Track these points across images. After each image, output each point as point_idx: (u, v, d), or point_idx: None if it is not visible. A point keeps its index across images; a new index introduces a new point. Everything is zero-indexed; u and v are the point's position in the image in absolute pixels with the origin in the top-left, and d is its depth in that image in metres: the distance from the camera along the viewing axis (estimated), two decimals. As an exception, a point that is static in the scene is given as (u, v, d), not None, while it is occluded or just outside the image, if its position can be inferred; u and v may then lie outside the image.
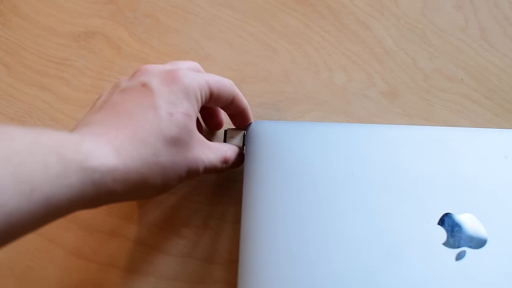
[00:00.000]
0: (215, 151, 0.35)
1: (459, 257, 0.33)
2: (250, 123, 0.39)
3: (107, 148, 0.28)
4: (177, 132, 0.31)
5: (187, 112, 0.32)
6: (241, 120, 0.39)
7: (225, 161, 0.36)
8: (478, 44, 0.46)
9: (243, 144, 0.39)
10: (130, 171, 0.29)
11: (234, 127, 0.40)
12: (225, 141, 0.39)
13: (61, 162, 0.26)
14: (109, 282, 0.38)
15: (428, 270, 0.32)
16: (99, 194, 0.28)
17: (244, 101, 0.38)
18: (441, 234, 0.33)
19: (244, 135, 0.39)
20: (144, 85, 0.32)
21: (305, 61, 0.46)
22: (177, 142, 0.31)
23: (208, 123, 0.42)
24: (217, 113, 0.41)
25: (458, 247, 0.33)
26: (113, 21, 0.47)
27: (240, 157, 0.39)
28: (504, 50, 0.46)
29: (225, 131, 0.40)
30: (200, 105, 0.33)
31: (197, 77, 0.33)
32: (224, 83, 0.35)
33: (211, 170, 0.35)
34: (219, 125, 0.42)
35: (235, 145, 0.38)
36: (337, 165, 0.36)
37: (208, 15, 0.48)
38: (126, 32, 0.47)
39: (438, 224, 0.34)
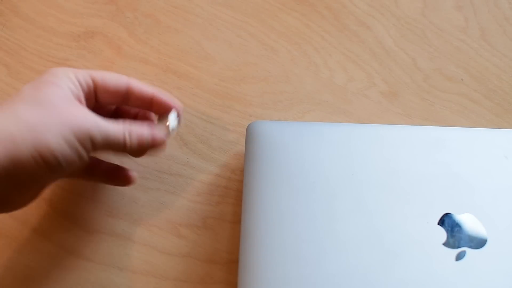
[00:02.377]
0: (111, 123, 0.33)
1: (459, 257, 0.33)
2: (173, 110, 0.37)
3: None
4: (39, 93, 0.31)
5: (53, 81, 0.32)
6: (160, 110, 0.37)
7: (132, 135, 0.34)
8: (478, 44, 0.46)
9: (178, 123, 0.37)
10: None
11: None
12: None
13: None
14: (109, 282, 0.38)
15: (428, 270, 0.32)
16: None
17: (148, 87, 0.36)
18: (441, 234, 0.33)
19: (177, 115, 0.37)
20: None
21: (305, 61, 0.46)
22: (40, 102, 0.30)
23: (113, 180, 0.40)
24: (119, 168, 0.39)
25: (458, 247, 0.33)
26: (113, 21, 0.47)
27: (158, 138, 0.36)
28: (504, 50, 0.46)
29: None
30: (78, 85, 0.33)
31: (72, 69, 0.34)
32: (111, 73, 0.35)
33: (115, 143, 0.33)
34: (127, 180, 0.39)
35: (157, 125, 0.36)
36: (337, 165, 0.36)
37: (208, 15, 0.48)
38: (126, 32, 0.47)
39: (438, 224, 0.34)
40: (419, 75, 0.45)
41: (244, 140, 0.39)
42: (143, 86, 0.36)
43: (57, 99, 0.31)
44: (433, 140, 0.37)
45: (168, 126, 0.36)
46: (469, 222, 0.34)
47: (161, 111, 0.37)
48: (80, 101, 0.33)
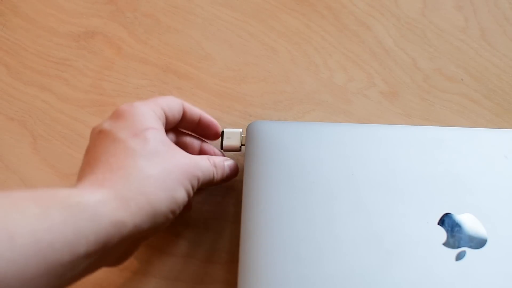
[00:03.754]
0: (201, 160, 0.34)
1: (459, 257, 0.33)
2: (222, 130, 0.39)
3: (89, 187, 0.27)
4: (151, 145, 0.30)
5: (151, 126, 0.31)
6: (208, 129, 0.39)
7: (217, 169, 0.35)
8: (478, 44, 0.46)
9: (241, 144, 0.39)
10: (125, 194, 0.27)
11: (231, 129, 0.40)
12: (222, 142, 0.39)
13: (38, 205, 0.24)
14: (109, 282, 0.38)
15: (428, 270, 0.32)
16: (103, 229, 0.25)
17: (195, 107, 0.37)
18: (441, 234, 0.33)
19: (241, 134, 0.39)
20: (100, 132, 0.31)
21: (305, 61, 0.46)
22: (155, 153, 0.30)
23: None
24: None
25: (458, 247, 0.33)
26: (113, 21, 0.47)
27: (234, 167, 0.38)
28: (504, 50, 0.46)
29: (222, 131, 0.39)
30: (159, 120, 0.33)
31: (142, 102, 0.33)
32: (169, 98, 0.35)
33: (208, 179, 0.34)
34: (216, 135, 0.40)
35: (227, 158, 0.38)
36: (337, 165, 0.36)
37: (208, 15, 0.48)
38: (126, 32, 0.47)
39: (438, 224, 0.34)
40: (419, 75, 0.45)
41: (244, 140, 0.39)
42: (192, 108, 0.37)
43: (163, 145, 0.31)
44: (433, 140, 0.37)
45: (240, 149, 0.39)
46: (469, 222, 0.34)
47: (209, 134, 0.39)
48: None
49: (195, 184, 0.32)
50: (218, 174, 0.35)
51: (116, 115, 0.32)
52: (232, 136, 0.39)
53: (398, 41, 0.47)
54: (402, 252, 0.33)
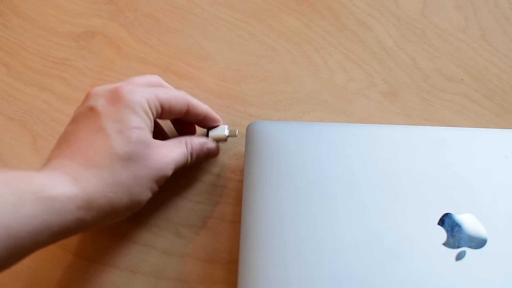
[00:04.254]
0: (176, 148, 0.36)
1: (459, 257, 0.33)
2: (219, 124, 0.40)
3: (64, 178, 0.29)
4: (131, 148, 0.31)
5: (137, 126, 0.32)
6: (209, 124, 0.39)
7: (192, 153, 0.37)
8: (478, 44, 0.46)
9: (228, 136, 0.40)
10: (92, 197, 0.30)
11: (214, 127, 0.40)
12: (208, 132, 0.40)
13: (16, 194, 0.27)
14: (109, 282, 0.38)
15: (428, 270, 0.32)
16: (66, 223, 0.29)
17: (202, 106, 0.38)
18: (441, 234, 0.33)
19: (226, 127, 0.40)
20: (91, 109, 0.32)
21: (305, 61, 0.46)
22: (133, 157, 0.31)
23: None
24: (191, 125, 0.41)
25: (458, 247, 0.33)
26: (113, 21, 0.47)
27: (214, 150, 0.39)
28: (504, 50, 0.46)
29: (207, 131, 0.40)
30: (152, 116, 0.34)
31: (143, 91, 0.33)
32: (175, 94, 0.36)
33: (182, 165, 0.36)
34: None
35: (201, 136, 0.39)
36: (337, 165, 0.36)
37: (208, 15, 0.48)
38: (126, 32, 0.47)
39: (438, 224, 0.34)
40: (419, 75, 0.45)
41: (244, 140, 0.39)
42: (198, 104, 0.38)
43: (143, 148, 0.32)
44: (433, 140, 0.37)
45: (223, 136, 0.40)
46: (469, 222, 0.34)
47: (208, 126, 0.40)
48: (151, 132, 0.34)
49: (163, 180, 0.34)
50: (192, 159, 0.37)
51: (114, 96, 0.33)
52: (216, 131, 0.40)
53: (398, 41, 0.47)
54: (402, 252, 0.33)
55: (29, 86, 0.45)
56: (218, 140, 0.40)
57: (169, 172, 0.34)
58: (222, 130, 0.40)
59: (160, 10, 0.48)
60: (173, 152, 0.35)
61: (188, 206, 0.40)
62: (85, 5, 0.48)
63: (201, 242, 0.39)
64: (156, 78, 0.37)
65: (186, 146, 0.36)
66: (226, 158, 0.42)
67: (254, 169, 0.36)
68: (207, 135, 0.40)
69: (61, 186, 0.29)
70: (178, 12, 0.48)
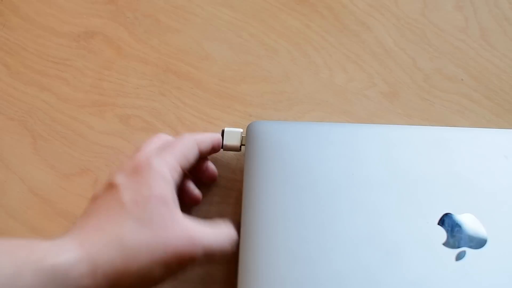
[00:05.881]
0: (216, 231, 0.32)
1: (459, 257, 0.33)
2: (223, 130, 0.40)
3: (70, 243, 0.28)
4: (145, 215, 0.30)
5: (156, 194, 0.31)
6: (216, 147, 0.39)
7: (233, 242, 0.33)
8: (478, 44, 0.46)
9: (242, 144, 0.39)
10: (96, 262, 0.28)
11: (232, 128, 0.40)
12: (222, 142, 0.39)
13: (15, 264, 0.25)
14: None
15: (428, 270, 0.32)
16: None
17: (206, 139, 0.37)
18: (441, 234, 0.33)
19: (241, 134, 0.40)
20: (111, 185, 0.32)
21: (305, 61, 0.46)
22: (146, 224, 0.29)
23: (200, 178, 0.40)
24: (205, 167, 0.40)
25: (458, 247, 0.33)
26: (113, 21, 0.47)
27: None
28: (504, 50, 0.46)
29: (223, 131, 0.40)
30: (174, 184, 0.32)
31: (162, 160, 0.33)
32: (189, 148, 0.35)
33: (216, 255, 0.32)
34: (211, 177, 0.40)
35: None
36: (337, 165, 0.36)
37: (208, 15, 0.48)
38: (126, 32, 0.47)
39: (438, 224, 0.34)
40: (419, 75, 0.45)
41: (244, 140, 0.39)
42: (205, 141, 0.37)
43: (159, 217, 0.30)
44: (433, 140, 0.37)
45: (240, 148, 0.40)
46: (469, 222, 0.34)
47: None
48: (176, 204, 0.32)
49: (187, 262, 0.30)
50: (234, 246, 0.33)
51: (133, 170, 0.32)
52: (233, 135, 0.39)
53: (398, 41, 0.47)
54: (402, 252, 0.33)
55: (29, 86, 0.45)
56: (232, 150, 0.40)
57: (198, 253, 0.30)
58: (238, 140, 0.39)
59: (160, 10, 0.48)
60: (205, 232, 0.31)
61: (188, 206, 0.40)
62: (85, 5, 0.48)
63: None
64: (162, 138, 0.37)
65: (229, 231, 0.33)
66: (226, 158, 0.42)
67: (254, 169, 0.36)
68: (222, 137, 0.40)
69: (64, 252, 0.27)
70: (178, 12, 0.48)
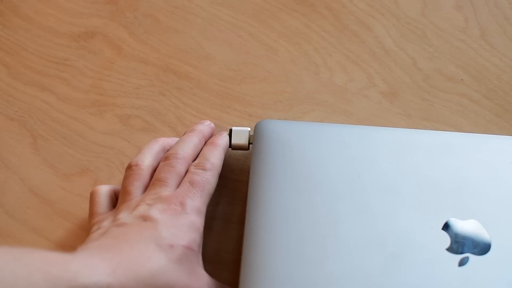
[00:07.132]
0: None
1: (462, 263, 0.32)
2: (230, 129, 0.40)
3: (101, 267, 0.28)
4: (177, 260, 0.31)
5: (188, 246, 0.32)
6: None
7: None
8: (478, 44, 0.46)
9: (249, 143, 0.39)
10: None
11: (240, 127, 0.40)
12: (230, 140, 0.40)
13: (48, 280, 0.26)
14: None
15: (431, 275, 0.32)
16: None
17: (216, 141, 0.39)
18: (445, 239, 0.33)
19: (249, 133, 0.40)
20: (146, 219, 0.32)
21: (305, 61, 0.46)
22: (177, 268, 0.31)
23: None
24: None
25: (461, 253, 0.33)
26: (113, 21, 0.47)
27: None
28: (504, 50, 0.46)
29: (230, 130, 0.40)
30: (202, 230, 0.34)
31: (194, 207, 0.34)
32: (214, 185, 0.37)
33: None
34: None
35: None
36: (344, 167, 0.35)
37: (208, 15, 0.48)
38: (126, 32, 0.47)
39: (442, 229, 0.33)
40: (419, 75, 0.45)
41: (252, 139, 0.39)
42: (218, 146, 0.39)
43: (191, 267, 0.32)
44: (439, 145, 0.37)
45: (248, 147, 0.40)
46: (473, 228, 0.33)
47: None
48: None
49: None
50: None
51: (167, 207, 0.33)
52: (240, 134, 0.40)
53: (398, 41, 0.47)
54: (405, 256, 0.32)
55: (29, 86, 0.45)
56: (240, 149, 0.40)
57: None
58: (246, 139, 0.40)
59: (160, 10, 0.48)
60: None
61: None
62: (85, 5, 0.48)
63: (204, 242, 0.39)
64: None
65: None
66: (226, 158, 0.42)
67: (261, 168, 0.36)
68: (229, 136, 0.40)
69: (96, 275, 0.28)
70: (178, 12, 0.48)
